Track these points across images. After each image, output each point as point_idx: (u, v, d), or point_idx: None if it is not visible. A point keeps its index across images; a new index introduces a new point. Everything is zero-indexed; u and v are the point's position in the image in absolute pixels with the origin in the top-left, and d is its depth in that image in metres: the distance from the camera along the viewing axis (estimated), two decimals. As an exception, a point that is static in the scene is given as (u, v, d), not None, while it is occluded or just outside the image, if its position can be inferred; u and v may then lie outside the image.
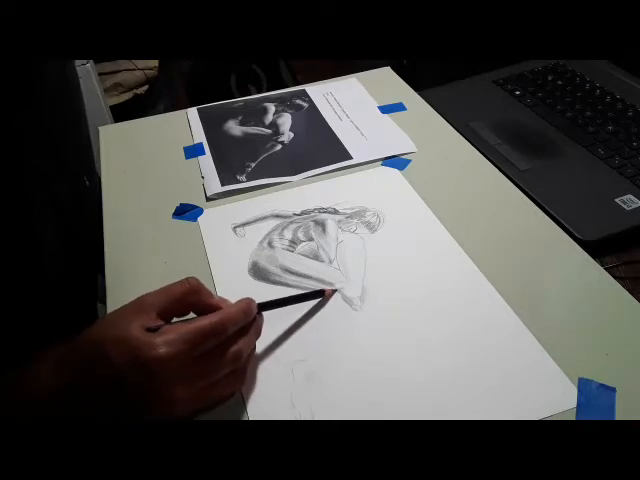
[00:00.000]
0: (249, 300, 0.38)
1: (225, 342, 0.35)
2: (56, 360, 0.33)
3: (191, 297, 0.36)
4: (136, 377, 0.31)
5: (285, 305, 0.42)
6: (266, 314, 0.40)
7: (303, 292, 0.44)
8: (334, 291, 0.45)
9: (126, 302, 0.46)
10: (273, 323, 0.42)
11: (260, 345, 0.40)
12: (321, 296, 0.44)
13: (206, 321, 0.34)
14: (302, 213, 0.54)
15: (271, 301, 0.41)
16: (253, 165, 0.61)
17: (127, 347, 0.31)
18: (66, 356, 0.33)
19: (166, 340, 0.32)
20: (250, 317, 0.37)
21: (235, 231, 0.52)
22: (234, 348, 0.35)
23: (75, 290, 0.56)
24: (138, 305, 0.35)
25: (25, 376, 0.33)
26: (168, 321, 0.35)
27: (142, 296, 0.36)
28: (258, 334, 0.39)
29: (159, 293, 0.36)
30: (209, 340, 0.33)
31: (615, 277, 0.45)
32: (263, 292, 0.46)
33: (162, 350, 0.31)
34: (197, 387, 0.33)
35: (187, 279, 0.37)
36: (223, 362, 0.34)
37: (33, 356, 0.33)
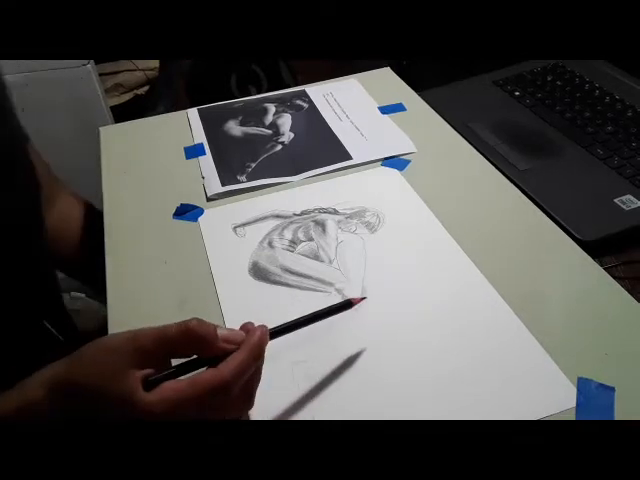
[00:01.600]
0: (261, 340, 0.34)
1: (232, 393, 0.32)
2: (48, 402, 0.32)
3: (189, 341, 0.32)
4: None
5: (304, 326, 0.37)
6: (266, 315, 0.40)
7: (325, 308, 0.39)
8: (362, 299, 0.41)
9: (126, 302, 0.46)
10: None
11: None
12: (349, 307, 0.40)
13: (208, 379, 0.31)
14: (302, 213, 0.54)
15: (288, 324, 0.37)
16: (253, 165, 0.61)
17: (125, 409, 0.30)
18: (55, 403, 0.32)
19: (164, 401, 0.30)
20: (260, 359, 0.34)
21: (235, 231, 0.53)
22: (241, 396, 0.33)
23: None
24: (132, 351, 0.31)
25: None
26: (168, 361, 0.33)
27: (136, 337, 0.32)
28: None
29: (154, 337, 0.32)
30: (213, 400, 0.31)
31: (614, 277, 0.45)
32: (263, 292, 0.46)
33: (160, 412, 0.30)
34: None
35: (186, 322, 0.32)
36: (228, 409, 0.33)
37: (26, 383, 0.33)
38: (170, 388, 0.31)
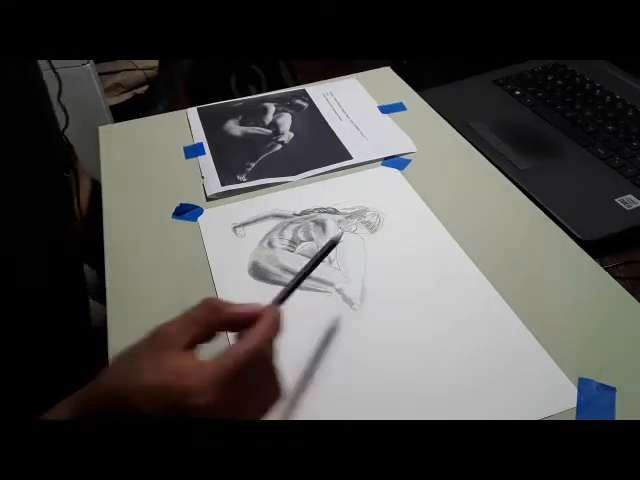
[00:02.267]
0: (277, 313, 0.33)
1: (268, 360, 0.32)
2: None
3: (216, 319, 0.32)
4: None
5: (300, 283, 0.38)
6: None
7: (314, 256, 0.39)
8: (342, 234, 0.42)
9: (125, 302, 0.46)
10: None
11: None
12: (334, 246, 0.40)
13: (240, 351, 0.30)
14: (302, 213, 0.54)
15: (288, 288, 0.37)
16: (253, 165, 0.61)
17: (163, 396, 0.29)
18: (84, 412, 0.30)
19: (205, 384, 0.29)
20: (280, 327, 0.33)
21: (235, 231, 0.52)
22: (272, 364, 0.33)
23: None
24: (161, 342, 0.30)
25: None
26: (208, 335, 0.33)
27: (162, 330, 0.31)
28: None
29: (182, 325, 0.31)
30: (250, 371, 0.31)
31: (615, 277, 0.45)
32: (263, 292, 0.46)
33: (201, 400, 0.29)
34: (237, 413, 0.32)
35: (205, 301, 0.32)
36: (265, 384, 0.33)
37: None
38: (203, 366, 0.29)
